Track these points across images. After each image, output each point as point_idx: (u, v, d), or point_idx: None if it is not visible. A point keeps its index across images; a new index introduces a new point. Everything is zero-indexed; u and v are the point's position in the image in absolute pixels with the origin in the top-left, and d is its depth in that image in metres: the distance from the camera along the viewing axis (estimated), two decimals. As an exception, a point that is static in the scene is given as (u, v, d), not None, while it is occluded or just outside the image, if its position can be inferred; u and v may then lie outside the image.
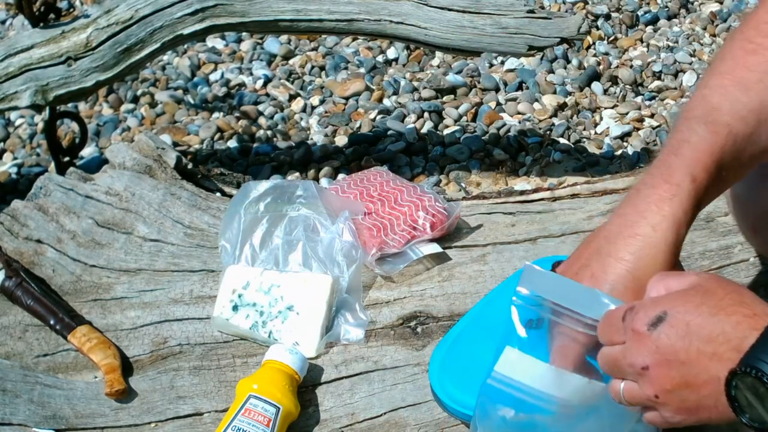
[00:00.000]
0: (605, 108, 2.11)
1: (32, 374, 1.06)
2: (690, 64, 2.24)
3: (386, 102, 2.15)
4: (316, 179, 1.90)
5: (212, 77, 2.26)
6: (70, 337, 1.08)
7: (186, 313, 1.13)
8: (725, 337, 0.64)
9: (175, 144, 2.03)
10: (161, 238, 1.21)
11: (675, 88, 2.17)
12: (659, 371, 0.67)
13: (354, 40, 2.36)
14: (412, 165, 1.94)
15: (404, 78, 2.22)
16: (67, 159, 1.79)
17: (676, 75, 2.22)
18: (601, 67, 2.25)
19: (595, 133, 2.06)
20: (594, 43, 2.33)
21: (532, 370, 0.78)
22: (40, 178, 1.29)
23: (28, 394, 1.03)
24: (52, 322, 1.10)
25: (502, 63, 2.26)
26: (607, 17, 2.43)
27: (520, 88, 2.18)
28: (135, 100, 2.20)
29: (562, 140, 2.00)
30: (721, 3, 2.47)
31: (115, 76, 1.62)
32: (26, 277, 1.13)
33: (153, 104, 2.19)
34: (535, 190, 1.31)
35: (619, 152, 1.98)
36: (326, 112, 2.14)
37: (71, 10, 2.41)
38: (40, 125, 2.11)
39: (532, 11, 1.59)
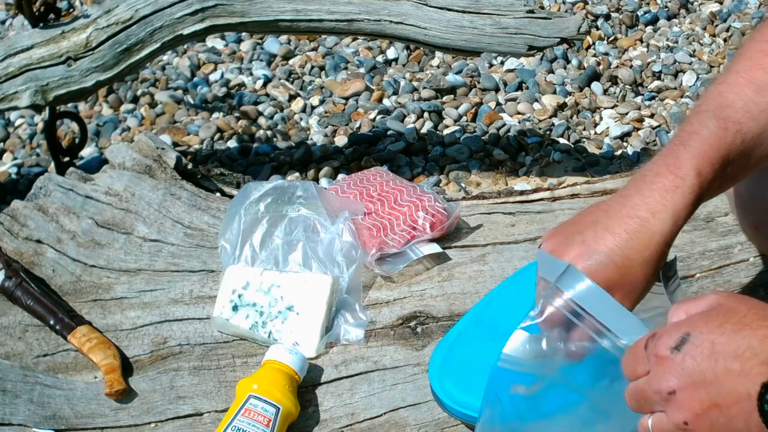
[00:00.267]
0: (605, 108, 2.11)
1: (32, 374, 1.06)
2: (690, 64, 2.24)
3: (386, 102, 2.15)
4: (316, 179, 1.90)
5: (212, 77, 2.26)
6: (70, 338, 1.08)
7: (186, 313, 1.13)
8: (752, 351, 0.63)
9: (175, 144, 2.03)
10: (161, 238, 1.21)
11: (675, 88, 2.17)
12: (687, 394, 0.65)
13: (354, 40, 2.36)
14: (412, 165, 1.94)
15: (404, 78, 2.22)
16: (67, 159, 1.79)
17: (675, 75, 2.22)
18: (600, 67, 2.25)
19: (595, 133, 2.06)
20: (594, 43, 2.33)
21: (538, 344, 0.78)
22: (40, 178, 1.29)
23: (28, 394, 1.03)
24: (52, 322, 1.10)
25: (502, 63, 2.26)
26: (607, 17, 2.43)
27: (519, 88, 2.18)
28: (135, 100, 2.20)
29: (561, 140, 2.00)
30: (721, 3, 2.47)
31: (115, 76, 1.62)
32: (26, 277, 1.13)
33: (153, 104, 2.19)
34: (535, 190, 1.31)
35: (618, 152, 1.98)
36: (326, 112, 2.14)
37: (71, 10, 2.41)
38: (40, 125, 2.11)
39: (531, 11, 1.59)
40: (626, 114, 2.08)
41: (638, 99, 2.15)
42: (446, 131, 2.05)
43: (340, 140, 2.03)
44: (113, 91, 2.20)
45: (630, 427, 0.74)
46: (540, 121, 2.07)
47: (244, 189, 1.20)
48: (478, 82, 2.20)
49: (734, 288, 1.11)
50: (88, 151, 2.02)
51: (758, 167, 0.82)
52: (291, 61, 2.31)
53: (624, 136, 2.02)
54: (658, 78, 2.22)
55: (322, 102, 2.17)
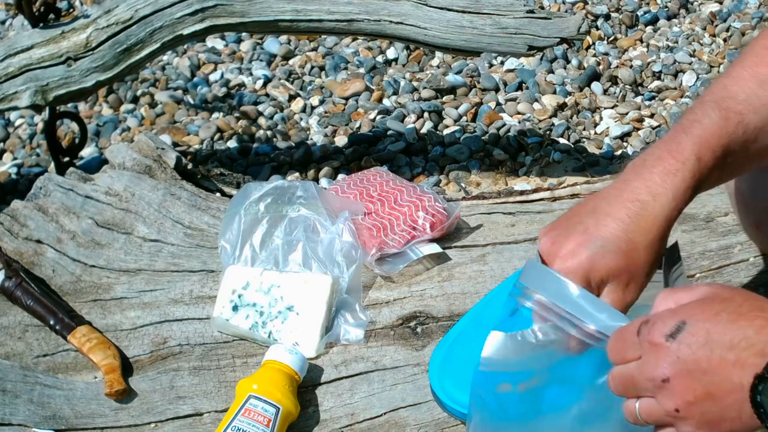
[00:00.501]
0: (605, 108, 2.11)
1: (32, 374, 1.06)
2: (690, 64, 2.24)
3: (386, 102, 2.15)
4: (316, 179, 1.90)
5: (212, 77, 2.26)
6: (70, 338, 1.08)
7: (186, 313, 1.13)
8: (748, 342, 0.63)
9: (175, 144, 2.03)
10: (161, 238, 1.21)
11: (675, 88, 2.17)
12: (681, 382, 0.65)
13: (354, 40, 2.36)
14: (412, 165, 1.94)
15: (404, 78, 2.22)
16: (66, 159, 1.79)
17: (675, 75, 2.22)
18: (600, 67, 2.25)
19: (595, 133, 2.06)
20: (594, 43, 2.33)
21: (516, 343, 0.78)
22: (40, 178, 1.29)
23: (28, 395, 1.03)
24: (52, 322, 1.10)
25: (502, 63, 2.26)
26: (607, 17, 2.43)
27: (519, 88, 2.18)
28: (135, 100, 2.20)
29: (561, 140, 2.00)
30: (721, 3, 2.47)
31: (115, 77, 1.62)
32: (26, 278, 1.13)
33: (153, 104, 2.19)
34: (535, 190, 1.31)
35: (618, 152, 1.98)
36: (326, 112, 2.14)
37: (71, 10, 2.41)
38: (40, 125, 2.11)
39: (531, 11, 1.59)
40: (626, 114, 2.08)
41: (638, 99, 2.15)
42: (446, 131, 2.05)
43: (340, 140, 2.03)
44: (113, 91, 2.20)
45: (616, 421, 0.75)
46: (540, 121, 2.07)
47: (244, 189, 1.20)
48: (478, 82, 2.20)
49: (734, 288, 1.11)
50: (88, 151, 2.02)
51: (758, 161, 0.83)
52: (291, 61, 2.31)
53: (624, 136, 2.03)
54: (658, 78, 2.22)
55: (322, 102, 2.17)
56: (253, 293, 1.10)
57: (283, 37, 2.35)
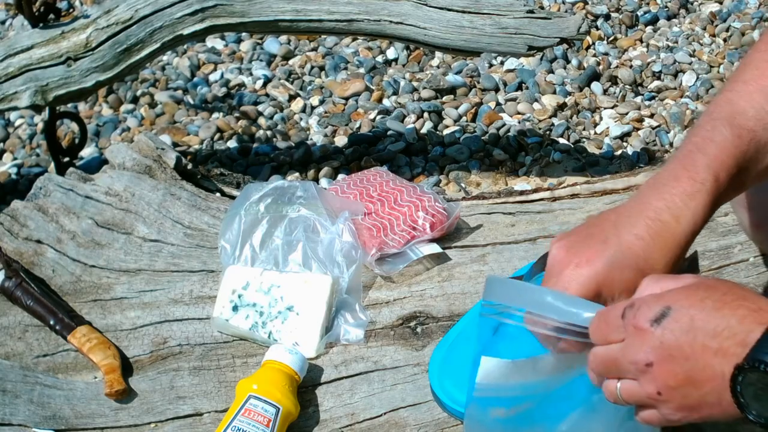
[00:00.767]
0: (605, 108, 2.11)
1: (32, 374, 1.06)
2: (690, 64, 2.24)
3: (386, 102, 2.15)
4: (316, 179, 1.90)
5: (212, 77, 2.27)
6: (70, 338, 1.08)
7: (186, 313, 1.13)
8: (731, 331, 0.64)
9: (175, 144, 2.03)
10: (161, 238, 1.21)
11: (675, 88, 2.17)
12: (663, 367, 0.66)
13: (354, 40, 2.36)
14: (412, 165, 1.94)
15: (404, 78, 2.22)
16: (66, 159, 1.79)
17: (675, 75, 2.22)
18: (600, 67, 2.25)
19: (595, 133, 2.06)
20: (594, 43, 2.34)
21: (510, 368, 0.78)
22: (40, 178, 1.29)
23: (28, 395, 1.03)
24: (52, 322, 1.10)
25: (502, 63, 2.26)
26: (607, 17, 2.43)
27: (519, 88, 2.18)
28: (135, 100, 2.20)
29: (561, 140, 2.00)
30: (721, 3, 2.47)
31: (114, 77, 1.62)
32: (26, 278, 1.13)
33: (153, 104, 2.19)
34: (535, 190, 1.31)
35: (618, 152, 1.98)
36: (326, 112, 2.14)
37: (71, 10, 2.41)
38: (40, 125, 2.11)
39: (531, 11, 1.59)
40: (626, 114, 2.09)
41: (638, 99, 2.15)
42: (446, 131, 2.05)
43: (340, 140, 2.03)
44: (113, 91, 2.20)
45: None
46: (540, 121, 2.07)
47: (244, 190, 1.20)
48: (478, 82, 2.20)
49: (734, 288, 1.11)
50: (88, 151, 2.02)
51: (767, 175, 0.82)
52: (291, 61, 2.31)
53: (624, 136, 2.03)
54: (658, 78, 2.22)
55: (322, 102, 2.17)
56: (253, 293, 1.10)
57: (283, 37, 2.35)
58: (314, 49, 2.35)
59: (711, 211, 0.77)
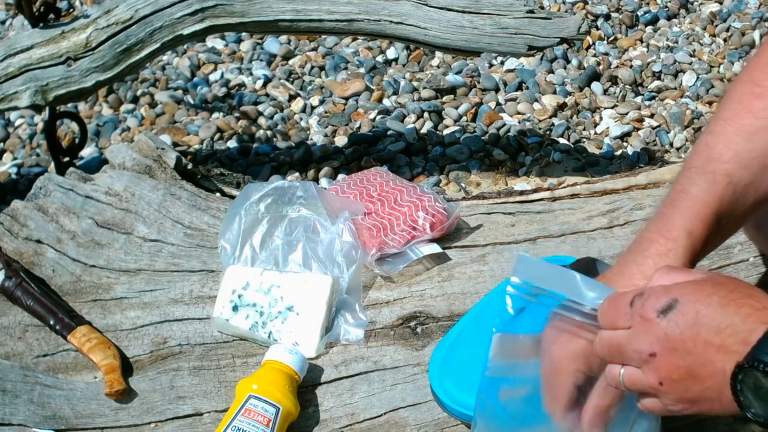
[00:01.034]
0: (605, 108, 2.11)
1: (32, 374, 1.06)
2: (690, 64, 2.24)
3: (386, 102, 2.15)
4: (316, 179, 1.90)
5: (212, 77, 2.27)
6: (70, 338, 1.08)
7: (186, 313, 1.13)
8: (734, 329, 0.64)
9: (175, 144, 2.03)
10: (161, 238, 1.21)
11: (675, 88, 2.17)
12: (666, 359, 0.67)
13: (354, 40, 2.36)
14: (412, 165, 1.94)
15: (404, 78, 2.22)
16: (66, 159, 1.79)
17: (675, 75, 2.22)
18: (600, 67, 2.25)
19: (595, 133, 2.06)
20: (594, 43, 2.34)
21: (522, 345, 0.78)
22: (40, 178, 1.29)
23: (28, 394, 1.03)
24: (52, 322, 1.10)
25: (502, 63, 2.26)
26: (607, 17, 2.43)
27: (519, 88, 2.18)
28: (135, 100, 2.20)
29: (561, 140, 2.01)
30: (721, 3, 2.47)
31: (114, 77, 1.62)
32: (26, 277, 1.13)
33: (153, 104, 2.19)
34: (535, 190, 1.31)
35: (618, 152, 1.98)
36: (326, 112, 2.14)
37: (71, 10, 2.41)
38: (40, 125, 2.11)
39: (531, 11, 1.59)
40: (626, 114, 2.09)
41: (638, 99, 2.15)
42: (446, 131, 2.05)
43: (340, 140, 2.03)
44: (113, 91, 2.21)
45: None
46: (540, 121, 2.07)
47: (244, 190, 1.20)
48: (478, 82, 2.20)
49: (734, 288, 1.11)
50: (88, 151, 2.02)
51: (756, 211, 0.81)
52: (291, 61, 2.31)
53: (624, 136, 2.03)
54: (658, 78, 2.22)
55: (322, 102, 2.17)
56: (253, 293, 1.10)
57: (283, 37, 2.35)
58: (314, 49, 2.35)
59: (690, 265, 0.77)
